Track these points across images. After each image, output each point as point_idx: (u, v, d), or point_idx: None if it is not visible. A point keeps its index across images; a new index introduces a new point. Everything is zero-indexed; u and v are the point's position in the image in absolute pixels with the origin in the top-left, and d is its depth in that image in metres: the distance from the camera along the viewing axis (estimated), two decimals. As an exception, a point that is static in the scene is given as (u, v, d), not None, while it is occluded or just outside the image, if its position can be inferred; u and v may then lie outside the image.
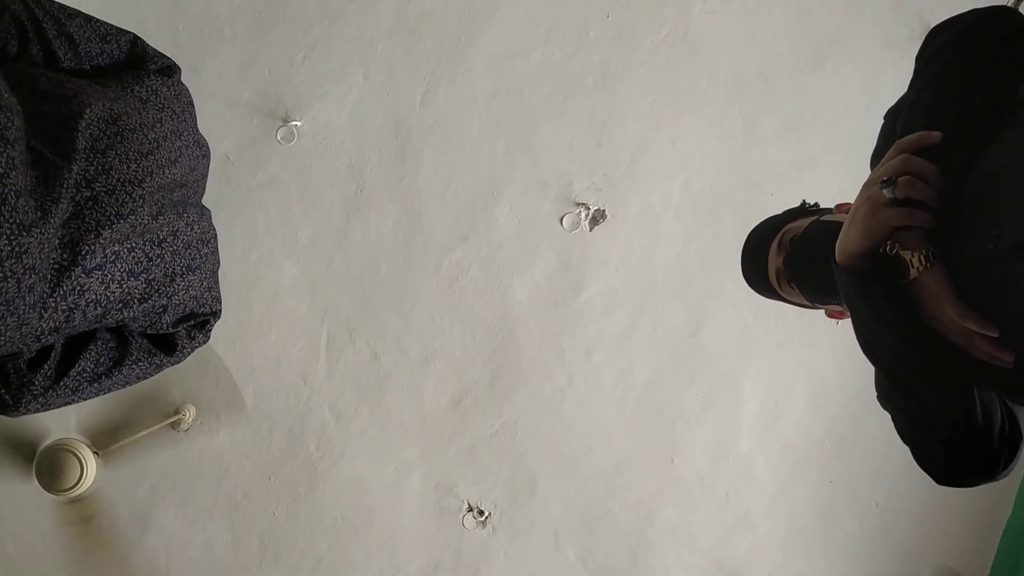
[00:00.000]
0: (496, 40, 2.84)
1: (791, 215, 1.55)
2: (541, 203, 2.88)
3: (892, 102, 2.93)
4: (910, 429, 1.13)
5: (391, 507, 2.96)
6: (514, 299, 2.91)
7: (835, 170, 2.88)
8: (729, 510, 3.02)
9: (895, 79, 2.84)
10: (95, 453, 2.70)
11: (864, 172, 2.89)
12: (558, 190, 2.88)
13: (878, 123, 2.99)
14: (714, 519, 3.03)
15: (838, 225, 1.32)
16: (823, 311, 1.48)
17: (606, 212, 2.88)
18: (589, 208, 2.88)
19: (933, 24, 2.85)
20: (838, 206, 1.46)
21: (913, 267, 1.00)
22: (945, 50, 1.09)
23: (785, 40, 2.85)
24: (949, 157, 1.00)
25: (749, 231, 1.64)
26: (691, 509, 3.01)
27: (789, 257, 1.41)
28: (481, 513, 2.96)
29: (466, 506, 2.97)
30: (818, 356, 2.95)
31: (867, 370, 3.07)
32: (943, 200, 1.00)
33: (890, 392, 1.12)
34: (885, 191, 1.00)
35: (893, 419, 1.17)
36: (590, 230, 2.89)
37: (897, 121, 1.15)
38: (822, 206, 1.57)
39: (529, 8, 2.83)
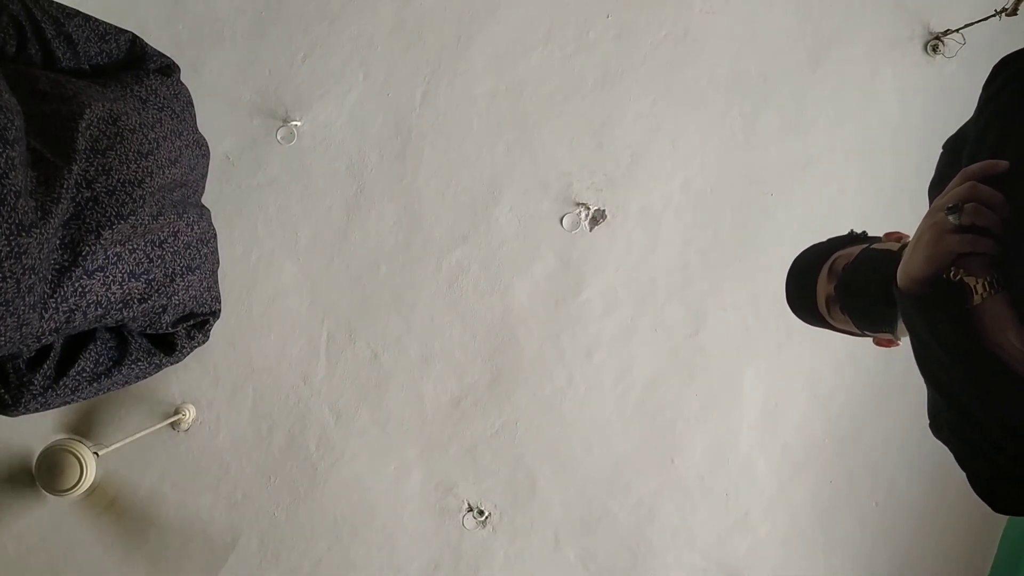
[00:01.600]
0: (496, 40, 2.84)
1: (837, 243, 1.55)
2: (541, 203, 2.88)
3: (892, 102, 2.94)
4: (970, 457, 1.13)
5: (391, 507, 2.96)
6: (514, 299, 2.91)
7: (835, 170, 2.88)
8: (729, 510, 3.02)
9: (895, 79, 2.84)
10: (95, 453, 2.70)
11: (863, 171, 2.89)
12: (558, 190, 2.88)
13: (878, 123, 3.00)
14: (714, 519, 3.02)
15: (890, 253, 1.32)
16: (871, 339, 1.48)
17: (606, 212, 2.88)
18: (589, 208, 2.88)
19: (933, 24, 2.86)
20: (887, 234, 1.47)
21: (977, 293, 1.00)
22: (1012, 82, 1.10)
23: (785, 40, 2.85)
24: (1015, 186, 1.00)
25: (793, 258, 1.64)
26: (691, 509, 3.01)
27: (841, 284, 1.41)
28: (481, 513, 2.96)
29: (466, 506, 2.97)
30: (818, 356, 2.95)
31: (867, 371, 3.07)
32: (1008, 228, 1.00)
33: (950, 418, 1.12)
34: (951, 217, 1.01)
35: (950, 447, 1.17)
36: (590, 230, 2.89)
37: (957, 151, 1.15)
38: (869, 234, 1.57)
39: (529, 8, 2.83)
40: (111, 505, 2.85)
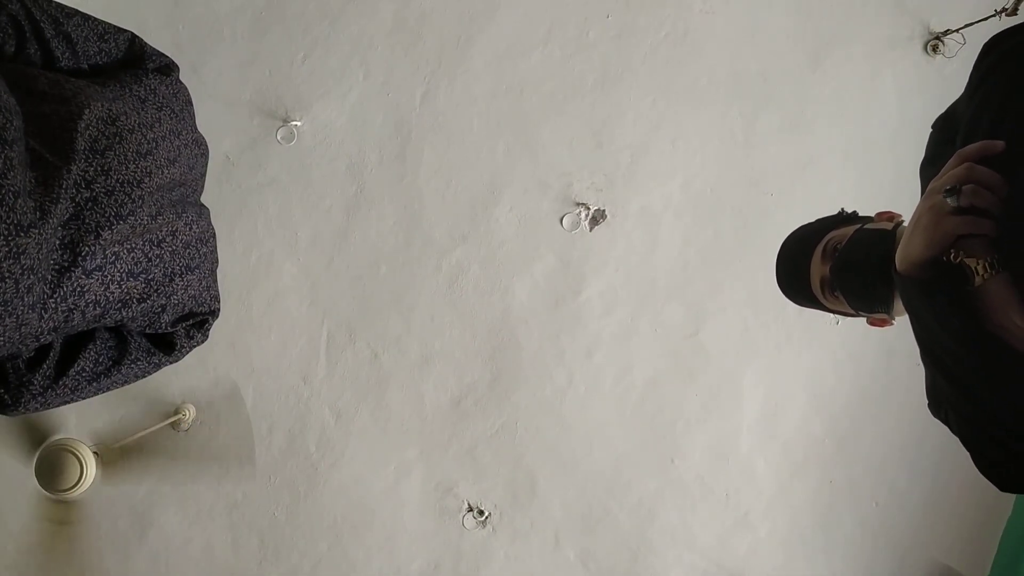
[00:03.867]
0: (496, 40, 2.83)
1: (827, 223, 1.54)
2: (541, 203, 2.88)
3: (892, 102, 2.93)
4: (974, 436, 1.12)
5: (391, 507, 2.96)
6: (514, 299, 2.91)
7: (835, 170, 2.88)
8: (729, 510, 3.02)
9: (895, 79, 2.84)
10: (95, 453, 2.70)
11: (863, 171, 2.88)
12: (558, 190, 2.88)
13: (878, 123, 3.00)
14: (714, 519, 3.02)
15: (884, 233, 1.31)
16: (865, 319, 1.47)
17: (606, 212, 2.88)
18: (589, 208, 2.88)
19: (933, 24, 2.86)
20: (879, 214, 1.46)
21: (978, 275, 1.00)
22: (1005, 60, 1.09)
23: (785, 40, 2.85)
24: (1012, 166, 1.00)
25: (783, 240, 1.62)
26: (691, 509, 3.01)
27: (836, 265, 1.40)
28: (481, 513, 2.96)
29: (466, 506, 2.97)
30: (818, 356, 2.95)
31: (867, 370, 3.06)
32: (1007, 208, 1.00)
33: (953, 399, 1.11)
34: (949, 200, 1.00)
35: (952, 427, 1.17)
36: (590, 230, 2.89)
37: (948, 129, 1.15)
38: (860, 213, 1.56)
39: (529, 8, 2.83)
40: (61, 523, 2.83)
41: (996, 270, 0.99)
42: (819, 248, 1.47)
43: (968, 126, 1.10)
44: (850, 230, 1.41)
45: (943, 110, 1.28)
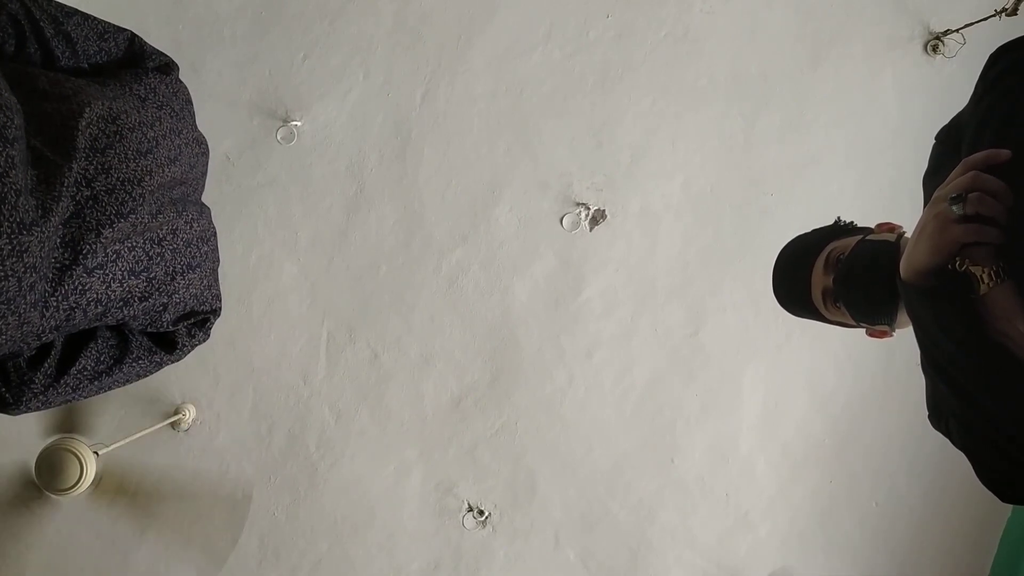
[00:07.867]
0: (496, 40, 2.84)
1: (825, 234, 1.53)
2: (541, 203, 2.88)
3: (892, 102, 2.93)
4: (976, 445, 1.12)
5: (391, 507, 2.96)
6: (514, 299, 2.91)
7: (835, 170, 2.88)
8: (729, 510, 3.02)
9: (895, 79, 2.84)
10: (95, 453, 2.69)
11: (863, 171, 2.88)
12: (558, 190, 2.88)
13: (878, 123, 2.99)
14: (714, 519, 3.02)
15: (888, 244, 1.31)
16: (865, 331, 1.47)
17: (606, 212, 2.88)
18: (589, 208, 2.88)
19: (933, 24, 2.86)
20: (879, 225, 1.45)
21: (983, 283, 1.00)
22: (1012, 70, 1.10)
23: (785, 40, 2.85)
24: (1018, 174, 1.00)
25: (778, 251, 1.61)
26: (691, 509, 3.01)
27: (840, 277, 1.40)
28: (481, 513, 2.96)
29: (466, 506, 2.97)
30: (818, 356, 2.95)
31: (867, 371, 3.06)
32: (1012, 216, 1.00)
33: (956, 409, 1.11)
34: (955, 207, 1.01)
35: (953, 437, 1.16)
36: (590, 230, 2.89)
37: (952, 141, 1.15)
38: (845, 219, 1.56)
39: (529, 8, 2.83)
40: (119, 491, 2.83)
41: (1001, 279, 0.99)
42: (820, 259, 1.46)
43: (974, 134, 1.10)
44: (852, 241, 1.41)
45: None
